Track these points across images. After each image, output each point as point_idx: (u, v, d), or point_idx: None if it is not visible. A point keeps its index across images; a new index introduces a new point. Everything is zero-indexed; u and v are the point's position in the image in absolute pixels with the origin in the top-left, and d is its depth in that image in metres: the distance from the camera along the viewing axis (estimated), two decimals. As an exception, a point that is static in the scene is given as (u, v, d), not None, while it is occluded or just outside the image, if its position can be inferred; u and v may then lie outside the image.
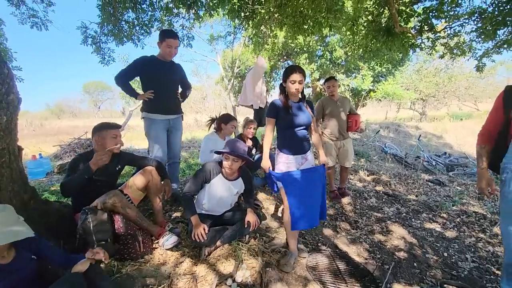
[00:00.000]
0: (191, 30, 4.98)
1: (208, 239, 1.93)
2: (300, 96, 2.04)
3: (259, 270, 1.86)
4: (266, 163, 1.99)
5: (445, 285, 2.01)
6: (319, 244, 2.43)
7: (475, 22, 3.70)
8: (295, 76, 1.88)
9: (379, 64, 11.30)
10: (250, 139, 3.35)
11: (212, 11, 4.22)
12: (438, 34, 4.19)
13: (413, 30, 4.18)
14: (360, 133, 5.94)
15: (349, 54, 9.58)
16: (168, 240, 1.98)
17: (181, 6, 4.05)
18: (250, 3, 4.17)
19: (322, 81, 9.72)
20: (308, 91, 13.70)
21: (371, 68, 12.14)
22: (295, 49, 11.78)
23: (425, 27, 4.05)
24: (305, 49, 11.49)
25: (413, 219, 3.16)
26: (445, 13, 3.88)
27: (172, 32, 2.56)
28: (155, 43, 2.57)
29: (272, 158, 2.07)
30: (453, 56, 4.34)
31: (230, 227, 2.12)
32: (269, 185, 3.03)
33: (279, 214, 2.86)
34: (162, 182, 2.29)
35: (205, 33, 14.79)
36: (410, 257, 2.36)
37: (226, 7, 4.15)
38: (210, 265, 1.86)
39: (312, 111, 2.10)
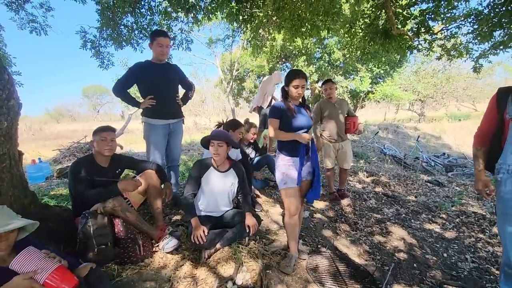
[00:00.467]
0: (190, 33, 5.01)
1: (207, 241, 1.94)
2: (300, 100, 2.06)
3: (260, 272, 1.87)
4: (305, 136, 1.88)
5: (445, 286, 2.02)
6: (319, 246, 2.43)
7: (472, 24, 3.74)
8: (298, 81, 1.91)
9: (377, 66, 11.41)
10: (251, 143, 3.31)
11: (210, 15, 4.25)
12: (435, 36, 4.24)
13: (410, 32, 4.21)
14: (358, 135, 5.96)
15: (347, 56, 9.67)
16: (168, 243, 1.98)
17: (180, 10, 4.08)
18: (248, 7, 4.20)
19: (320, 83, 9.77)
20: (306, 93, 13.76)
21: (369, 69, 12.21)
22: (294, 52, 11.85)
23: (422, 29, 4.10)
24: (303, 51, 11.57)
25: (412, 220, 3.17)
26: (442, 15, 3.93)
27: (161, 31, 2.55)
28: (153, 47, 2.57)
29: (272, 162, 2.08)
30: (450, 57, 4.38)
31: (229, 230, 2.12)
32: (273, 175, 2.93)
33: (279, 216, 2.87)
34: (163, 186, 2.30)
35: (204, 36, 14.90)
36: (410, 258, 2.37)
37: (224, 10, 4.17)
38: (211, 268, 1.86)
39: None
